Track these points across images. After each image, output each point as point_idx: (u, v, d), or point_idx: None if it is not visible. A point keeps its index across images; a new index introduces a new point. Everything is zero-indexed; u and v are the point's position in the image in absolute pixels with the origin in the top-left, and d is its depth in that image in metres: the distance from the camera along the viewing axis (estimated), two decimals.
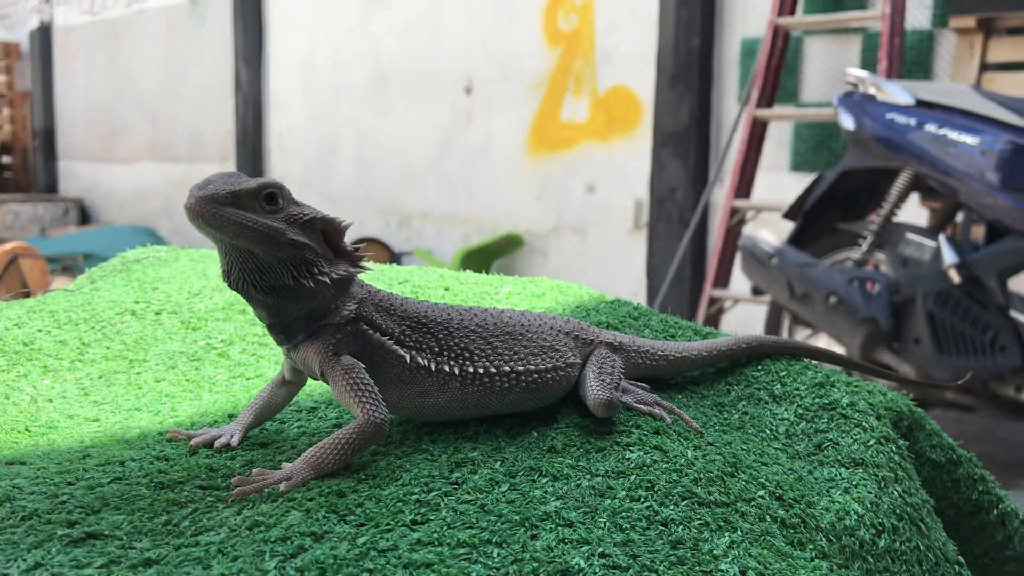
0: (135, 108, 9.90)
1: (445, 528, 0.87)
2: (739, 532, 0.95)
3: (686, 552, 0.89)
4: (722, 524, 0.95)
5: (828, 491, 1.08)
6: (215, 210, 0.93)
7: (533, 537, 0.88)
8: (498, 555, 0.84)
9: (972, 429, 4.16)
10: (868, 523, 1.05)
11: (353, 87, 7.59)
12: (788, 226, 4.07)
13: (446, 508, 0.91)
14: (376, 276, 1.73)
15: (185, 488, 0.97)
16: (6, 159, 11.65)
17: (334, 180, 7.81)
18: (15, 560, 0.81)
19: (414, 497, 0.93)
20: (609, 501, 0.95)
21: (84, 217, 10.53)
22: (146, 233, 8.11)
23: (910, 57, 4.65)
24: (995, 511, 1.32)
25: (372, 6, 7.37)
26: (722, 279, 4.82)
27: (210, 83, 8.92)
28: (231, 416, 1.21)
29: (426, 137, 7.08)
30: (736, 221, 4.77)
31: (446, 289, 1.67)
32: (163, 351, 1.49)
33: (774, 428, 1.21)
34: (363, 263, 1.05)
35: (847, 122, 3.68)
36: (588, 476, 0.99)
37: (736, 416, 1.23)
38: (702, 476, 1.02)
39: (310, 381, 1.15)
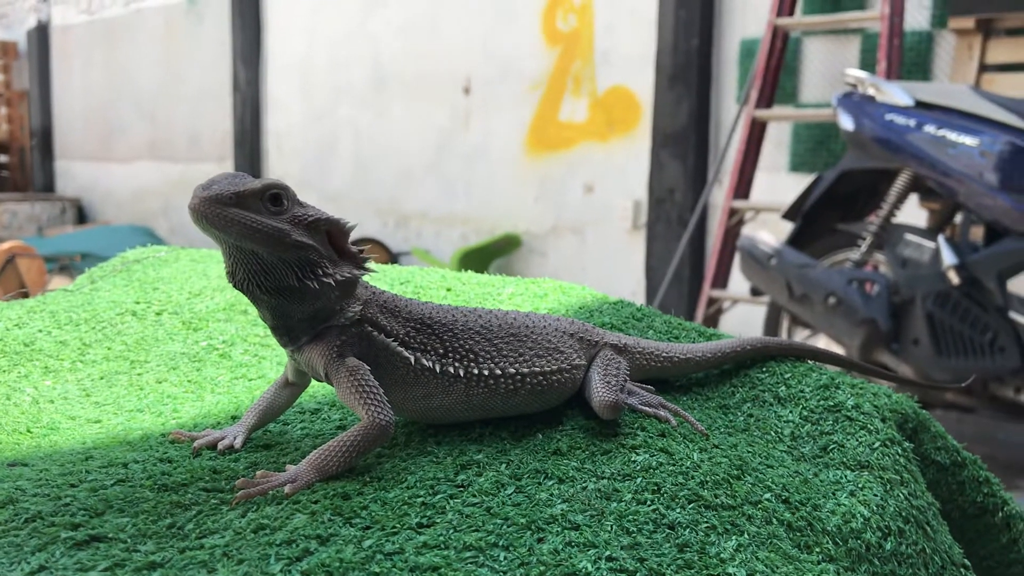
0: (133, 108, 9.88)
1: (451, 531, 0.87)
2: (746, 535, 0.94)
3: (693, 555, 0.89)
4: (729, 527, 0.95)
5: (834, 494, 1.08)
6: (219, 211, 0.93)
7: (539, 540, 0.87)
8: (504, 558, 0.84)
9: (972, 430, 4.16)
10: (874, 526, 1.05)
11: (351, 87, 7.58)
12: (787, 227, 4.07)
13: (452, 511, 0.91)
14: (378, 277, 1.72)
15: (189, 490, 0.96)
16: (3, 158, 11.63)
17: (332, 180, 7.80)
18: (18, 563, 0.80)
19: (420, 500, 0.92)
20: (615, 504, 0.94)
21: (81, 217, 10.52)
22: (144, 233, 8.10)
23: (909, 58, 4.65)
24: (1000, 513, 1.31)
25: (371, 6, 7.37)
26: (721, 280, 4.82)
27: (208, 83, 8.90)
28: (234, 417, 1.21)
29: (424, 137, 7.07)
30: (735, 222, 4.77)
31: (448, 290, 1.66)
32: (164, 352, 1.48)
33: (779, 430, 1.21)
34: (367, 265, 1.05)
35: (846, 123, 3.68)
36: (594, 479, 0.99)
37: (741, 418, 1.23)
38: (708, 479, 1.01)
39: (314, 382, 1.14)
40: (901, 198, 3.63)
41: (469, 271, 1.78)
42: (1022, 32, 4.30)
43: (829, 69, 5.01)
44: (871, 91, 3.67)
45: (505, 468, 1.00)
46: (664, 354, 1.26)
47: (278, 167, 8.29)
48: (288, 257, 0.97)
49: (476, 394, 1.06)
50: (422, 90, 7.06)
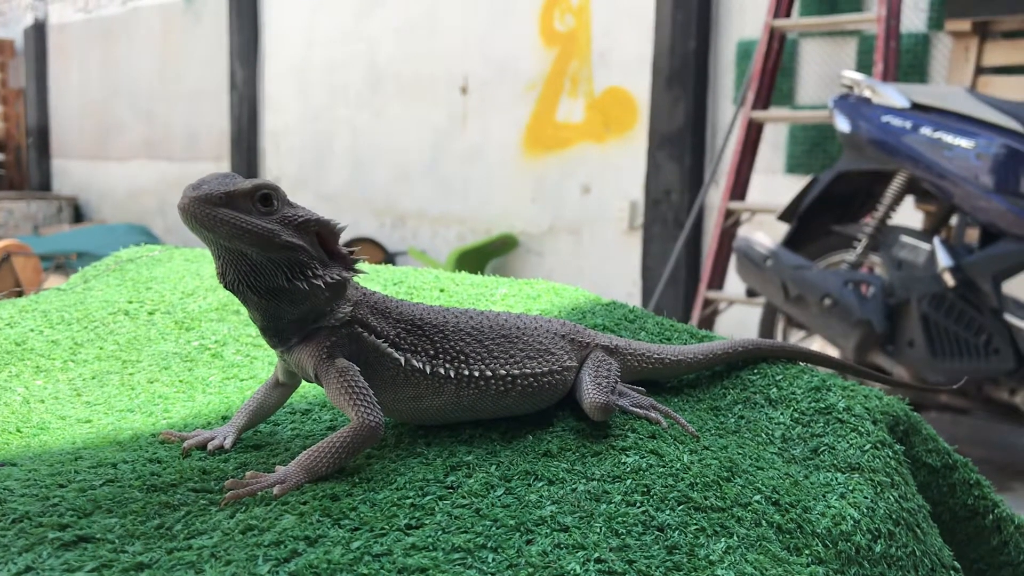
0: (129, 106, 9.87)
1: (440, 532, 0.87)
2: (735, 537, 0.94)
3: (682, 558, 0.89)
4: (718, 529, 0.95)
5: (824, 496, 1.08)
6: (209, 211, 0.93)
7: (528, 542, 0.87)
8: (493, 560, 0.84)
9: (966, 432, 4.17)
10: (864, 528, 1.05)
11: (349, 87, 7.58)
12: (783, 228, 4.08)
13: (441, 512, 0.90)
14: (371, 277, 1.72)
15: (178, 491, 0.96)
16: (0, 157, 11.62)
17: (329, 180, 7.80)
18: (5, 564, 0.80)
19: (409, 501, 0.92)
20: (605, 506, 0.94)
21: (78, 215, 10.50)
22: (140, 232, 8.09)
23: (906, 60, 4.65)
24: (990, 516, 1.32)
25: (368, 6, 7.36)
26: (717, 281, 4.82)
27: (205, 82, 8.90)
28: (224, 418, 1.21)
29: (421, 137, 7.07)
30: (731, 223, 4.77)
31: (442, 290, 1.66)
32: (156, 352, 1.48)
33: (770, 432, 1.21)
34: (357, 266, 1.05)
35: (842, 125, 3.68)
36: (584, 480, 0.98)
37: (732, 420, 1.23)
38: (698, 481, 1.01)
39: (304, 383, 1.14)
40: (897, 200, 3.64)
41: (464, 272, 1.78)
42: (1018, 35, 4.30)
43: (826, 71, 5.02)
44: (867, 93, 3.67)
45: (495, 469, 0.99)
46: (655, 356, 1.26)
47: (275, 167, 8.28)
48: (277, 258, 0.97)
49: (466, 395, 1.06)
50: (419, 90, 7.06)
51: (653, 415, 1.14)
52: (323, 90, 7.81)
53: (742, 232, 4.66)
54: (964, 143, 3.34)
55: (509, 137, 6.52)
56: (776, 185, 5.13)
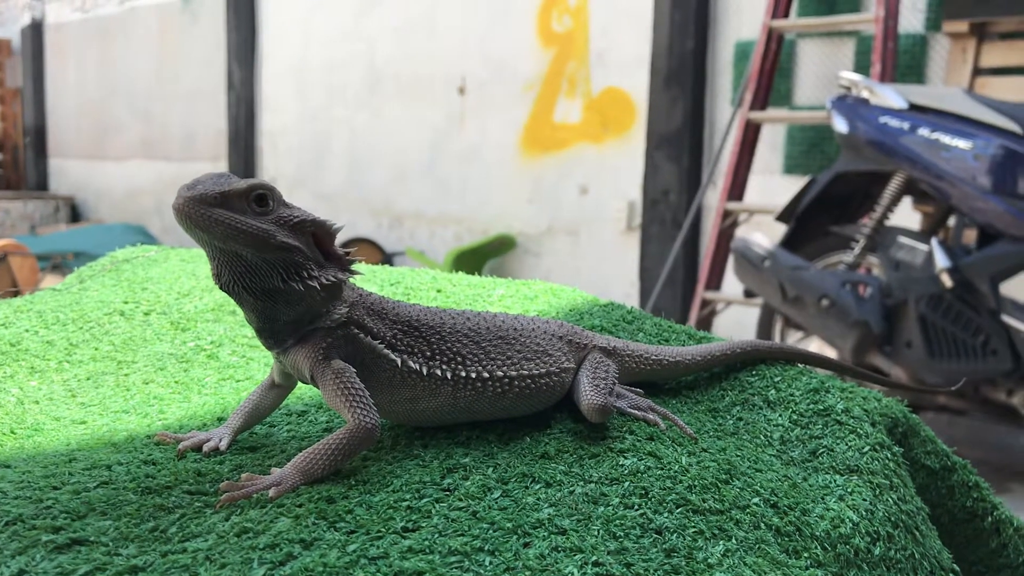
0: (127, 106, 9.86)
1: (436, 535, 0.86)
2: (734, 540, 0.94)
3: (680, 561, 0.88)
4: (717, 532, 0.94)
5: (823, 498, 1.07)
6: (203, 211, 0.92)
7: (526, 545, 0.86)
8: (490, 563, 0.83)
9: (963, 433, 4.17)
10: (863, 531, 1.04)
11: (346, 87, 7.57)
12: (781, 229, 4.07)
13: (437, 515, 0.90)
14: (368, 277, 1.71)
15: (173, 493, 0.95)
16: None
17: (327, 180, 7.79)
18: None
19: (405, 504, 0.92)
20: (603, 508, 0.94)
21: (75, 215, 10.48)
22: (137, 231, 8.07)
23: (903, 61, 4.65)
24: (989, 518, 1.31)
25: (366, 6, 7.36)
26: (714, 281, 4.82)
27: (202, 82, 8.88)
28: (220, 419, 1.20)
29: (419, 137, 7.06)
30: (729, 223, 4.77)
31: (439, 291, 1.65)
32: (152, 352, 1.47)
33: (769, 434, 1.20)
34: (353, 267, 1.04)
35: (840, 125, 3.68)
36: (581, 483, 0.98)
37: (731, 422, 1.22)
38: (696, 483, 1.01)
39: (300, 384, 1.14)
40: (894, 201, 3.63)
41: (461, 272, 1.78)
42: (1016, 36, 4.30)
43: (823, 71, 5.02)
44: (865, 94, 3.67)
45: (492, 472, 0.99)
46: (653, 357, 1.26)
47: (272, 167, 8.27)
48: (273, 259, 0.96)
49: (463, 397, 1.06)
50: (417, 90, 7.05)
51: (651, 417, 1.13)
52: (321, 90, 7.80)
53: (740, 233, 4.66)
54: (962, 144, 3.33)
55: (507, 137, 6.52)
56: (774, 186, 5.13)
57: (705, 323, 4.79)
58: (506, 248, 6.49)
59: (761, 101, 4.72)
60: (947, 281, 3.33)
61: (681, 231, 5.26)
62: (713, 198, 5.26)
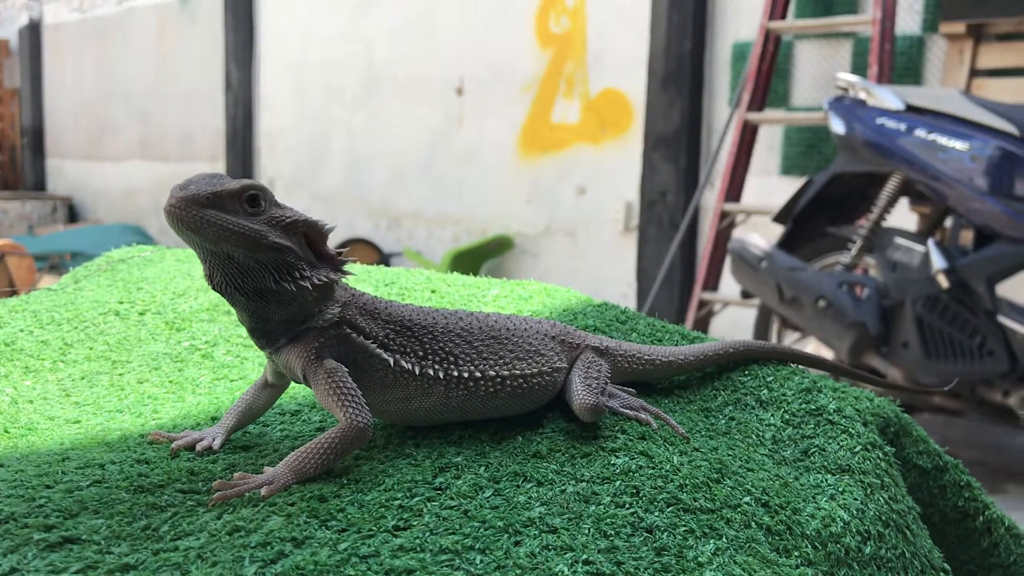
0: (124, 106, 9.86)
1: (428, 534, 0.87)
2: (724, 539, 0.94)
3: (671, 559, 0.89)
4: (707, 531, 0.94)
5: (814, 497, 1.08)
6: (196, 212, 0.92)
7: (517, 543, 0.87)
8: (481, 562, 0.83)
9: (959, 433, 4.17)
10: (854, 530, 1.05)
11: (345, 87, 7.58)
12: (778, 230, 4.08)
13: (429, 514, 0.90)
14: (363, 278, 1.72)
15: (165, 492, 0.95)
16: None
17: (325, 180, 7.79)
18: None
19: (397, 502, 0.92)
20: (594, 507, 0.94)
21: (72, 215, 10.48)
22: (135, 232, 8.07)
23: (900, 62, 4.66)
24: (981, 518, 1.32)
25: (364, 7, 7.36)
26: (712, 282, 4.82)
27: (200, 82, 8.89)
28: (214, 419, 1.20)
29: (417, 138, 7.07)
30: (726, 224, 4.77)
31: (433, 291, 1.66)
32: (146, 352, 1.48)
33: (761, 434, 1.21)
34: (346, 267, 1.04)
35: (837, 126, 3.68)
36: (573, 482, 0.98)
37: (723, 421, 1.23)
38: (688, 482, 1.01)
39: (293, 384, 1.14)
40: (891, 202, 3.64)
41: (455, 273, 1.78)
42: (1012, 37, 4.31)
43: (821, 73, 5.02)
44: (862, 95, 3.67)
45: (484, 471, 0.99)
46: (646, 357, 1.26)
47: (270, 167, 8.28)
48: (265, 259, 0.96)
49: (455, 396, 1.06)
50: (415, 91, 7.06)
51: (643, 416, 1.13)
52: (319, 90, 7.80)
53: (737, 234, 4.67)
54: (958, 145, 3.34)
55: (505, 138, 6.52)
56: (771, 187, 5.13)
57: (702, 324, 4.80)
58: (504, 249, 6.49)
59: (758, 102, 4.73)
60: (944, 282, 3.34)
61: (678, 232, 5.26)
62: (710, 199, 5.26)
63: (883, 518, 1.10)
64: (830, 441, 1.19)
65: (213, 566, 0.80)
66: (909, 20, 4.68)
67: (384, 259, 6.88)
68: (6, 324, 1.57)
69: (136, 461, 1.04)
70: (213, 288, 0.99)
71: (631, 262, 5.86)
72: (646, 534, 0.92)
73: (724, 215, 4.76)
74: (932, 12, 4.61)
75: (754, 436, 1.20)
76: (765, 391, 1.30)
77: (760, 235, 4.12)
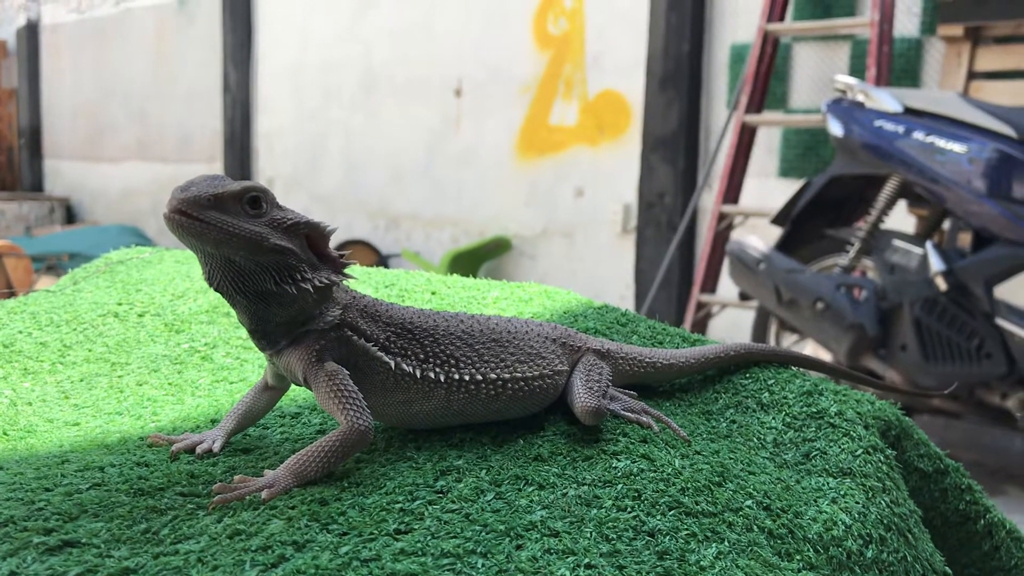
0: (122, 107, 9.85)
1: (429, 538, 0.86)
2: (726, 543, 0.94)
3: (673, 563, 0.88)
4: (709, 535, 0.94)
5: (816, 501, 1.07)
6: (196, 214, 0.92)
7: (518, 547, 0.86)
8: (482, 565, 0.83)
9: (958, 436, 4.17)
10: (856, 534, 1.05)
11: (343, 88, 7.57)
12: (776, 232, 4.08)
13: (430, 517, 0.90)
14: (362, 280, 1.71)
15: (165, 495, 0.95)
16: None
17: (323, 181, 7.79)
18: None
19: (398, 506, 0.92)
20: (595, 511, 0.94)
21: (70, 216, 10.46)
22: (132, 233, 8.06)
23: (898, 65, 4.66)
24: (982, 521, 1.31)
25: (362, 8, 7.36)
26: (710, 284, 4.82)
27: (198, 83, 8.88)
28: (214, 421, 1.20)
29: (415, 139, 7.06)
30: (724, 226, 4.78)
31: (433, 293, 1.66)
32: (146, 354, 1.47)
33: (762, 437, 1.20)
34: (347, 270, 1.04)
35: (835, 129, 3.69)
36: (574, 485, 0.98)
37: (724, 424, 1.23)
38: (689, 485, 1.01)
39: (294, 386, 1.14)
40: (889, 204, 3.64)
41: (456, 275, 1.78)
42: (1010, 40, 4.31)
43: (819, 75, 5.03)
44: (860, 97, 3.68)
45: (485, 474, 0.99)
46: (647, 359, 1.26)
47: (268, 168, 8.27)
48: (266, 261, 0.96)
49: (457, 400, 1.06)
50: (413, 92, 7.06)
51: (644, 419, 1.13)
52: (317, 92, 7.80)
53: (735, 235, 4.67)
54: (956, 148, 3.34)
55: (503, 140, 6.52)
56: (769, 189, 5.13)
57: (700, 325, 4.80)
58: (502, 250, 6.49)
59: (757, 104, 4.73)
60: (942, 284, 3.34)
61: (677, 234, 5.26)
62: (709, 201, 5.26)
63: (885, 522, 1.10)
64: (831, 444, 1.19)
65: (214, 570, 0.80)
66: (907, 22, 4.69)
67: (382, 260, 6.88)
68: (5, 326, 1.57)
69: (136, 464, 1.04)
70: (213, 289, 0.99)
71: (629, 264, 5.86)
72: (648, 538, 0.91)
73: (722, 217, 4.76)
74: (930, 15, 4.61)
75: (755, 439, 1.20)
76: (766, 394, 1.29)
77: (758, 237, 4.12)
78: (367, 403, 0.99)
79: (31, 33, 11.01)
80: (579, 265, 6.18)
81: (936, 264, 3.35)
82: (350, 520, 0.89)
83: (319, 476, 0.96)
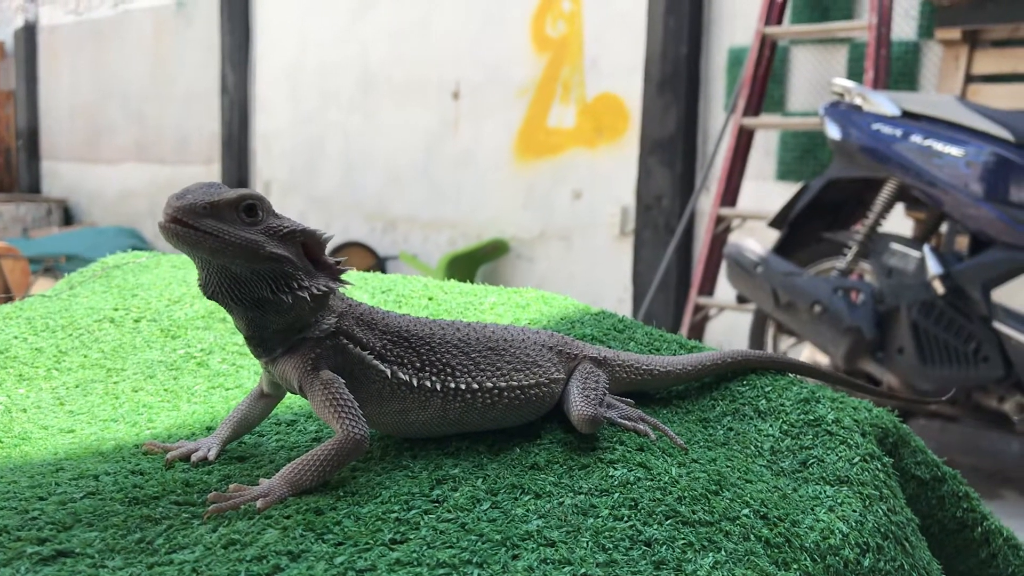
0: (120, 109, 9.84)
1: (425, 548, 0.86)
2: (723, 552, 0.93)
3: (669, 573, 0.88)
4: (706, 544, 0.94)
5: (813, 509, 1.07)
6: (192, 222, 0.91)
7: (514, 557, 0.86)
8: None
9: (955, 439, 4.17)
10: (853, 542, 1.04)
11: (341, 90, 7.57)
12: (773, 235, 4.08)
13: (426, 527, 0.89)
14: (359, 285, 1.71)
15: (160, 504, 0.95)
16: None
17: (320, 184, 7.78)
18: None
19: (394, 515, 0.91)
20: (592, 520, 0.93)
21: (67, 218, 10.45)
22: (130, 235, 8.05)
23: (896, 68, 4.67)
24: (979, 529, 1.31)
25: (360, 10, 7.35)
26: (707, 287, 4.82)
27: (196, 85, 8.87)
28: (209, 428, 1.19)
29: (413, 142, 7.06)
30: (722, 229, 4.78)
31: (430, 299, 1.65)
32: (141, 360, 1.47)
33: (759, 444, 1.20)
34: (343, 277, 1.04)
35: (833, 132, 3.69)
36: (571, 494, 0.98)
37: (721, 432, 1.22)
38: (686, 494, 1.00)
39: (289, 394, 1.13)
40: (887, 207, 3.64)
41: (452, 279, 1.77)
42: (1008, 43, 4.32)
43: (816, 78, 5.03)
44: (858, 100, 3.68)
45: (481, 483, 0.99)
46: (644, 367, 1.25)
47: (266, 170, 8.26)
48: (262, 269, 0.96)
49: (453, 408, 1.05)
50: (411, 94, 7.05)
51: (641, 427, 1.13)
52: (315, 93, 7.79)
53: (733, 238, 4.67)
54: (954, 151, 3.34)
55: (501, 142, 6.52)
56: (767, 191, 5.14)
57: (698, 329, 4.80)
58: (499, 253, 6.48)
59: (754, 107, 4.73)
60: (939, 288, 3.34)
61: (674, 236, 5.26)
62: (706, 204, 5.26)
63: (882, 530, 1.09)
64: (829, 452, 1.19)
65: None
66: (905, 26, 4.69)
67: (380, 262, 6.87)
68: (0, 331, 1.56)
69: (131, 472, 1.03)
70: (208, 297, 0.98)
71: (627, 267, 5.85)
72: (645, 547, 0.91)
73: (720, 220, 4.76)
74: (928, 18, 4.62)
75: (752, 447, 1.19)
76: (763, 401, 1.29)
77: (756, 240, 4.12)
78: (363, 412, 0.99)
79: (29, 34, 11.00)
80: (577, 268, 6.18)
81: (933, 267, 3.35)
82: (345, 530, 0.88)
83: (314, 485, 0.96)
